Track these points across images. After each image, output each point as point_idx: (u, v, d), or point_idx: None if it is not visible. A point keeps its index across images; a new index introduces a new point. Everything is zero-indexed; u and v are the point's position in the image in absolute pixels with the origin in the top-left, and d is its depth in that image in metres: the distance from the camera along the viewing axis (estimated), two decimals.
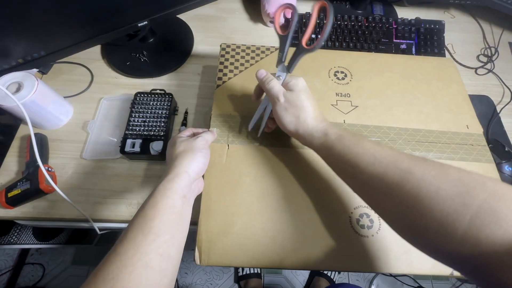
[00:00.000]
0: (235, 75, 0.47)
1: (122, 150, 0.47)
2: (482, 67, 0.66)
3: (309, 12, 0.36)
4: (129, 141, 0.48)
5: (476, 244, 0.20)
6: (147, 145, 0.49)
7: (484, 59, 0.67)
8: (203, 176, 0.38)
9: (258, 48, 0.50)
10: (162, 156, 0.48)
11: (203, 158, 0.35)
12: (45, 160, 0.49)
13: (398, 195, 0.25)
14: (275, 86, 0.36)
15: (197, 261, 0.34)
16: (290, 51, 0.36)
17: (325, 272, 1.01)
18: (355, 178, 0.30)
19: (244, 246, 0.35)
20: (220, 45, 0.50)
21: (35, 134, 0.48)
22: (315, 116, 0.34)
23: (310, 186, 0.39)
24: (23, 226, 0.77)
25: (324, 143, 0.32)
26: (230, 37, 0.67)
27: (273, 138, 0.41)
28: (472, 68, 0.66)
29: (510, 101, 0.61)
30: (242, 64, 0.48)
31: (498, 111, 0.60)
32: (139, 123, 0.50)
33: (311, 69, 0.48)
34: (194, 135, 0.40)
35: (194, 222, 0.40)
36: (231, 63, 0.48)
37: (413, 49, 0.65)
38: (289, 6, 0.36)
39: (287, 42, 0.36)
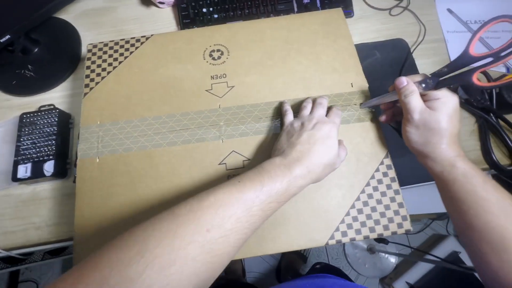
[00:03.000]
0: (102, 78, 0.44)
1: (14, 177, 0.47)
2: (397, 5, 0.60)
3: None
4: (20, 167, 0.47)
5: None
6: (41, 167, 0.47)
7: None
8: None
9: (127, 42, 0.46)
10: (57, 176, 0.48)
11: None
12: None
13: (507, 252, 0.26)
14: (412, 101, 0.33)
15: None
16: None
17: None
18: (463, 221, 0.30)
19: None
20: (87, 46, 0.46)
21: None
22: (448, 143, 0.32)
23: (187, 178, 0.38)
24: None
25: (446, 173, 0.31)
26: (123, 29, 0.61)
27: (146, 141, 0.40)
28: (385, 9, 0.60)
29: (422, 40, 0.56)
30: (110, 64, 0.44)
31: (412, 52, 0.56)
32: (28, 146, 0.48)
33: (185, 54, 0.45)
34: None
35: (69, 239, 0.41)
36: (98, 65, 0.44)
37: (318, 2, 0.59)
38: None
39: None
